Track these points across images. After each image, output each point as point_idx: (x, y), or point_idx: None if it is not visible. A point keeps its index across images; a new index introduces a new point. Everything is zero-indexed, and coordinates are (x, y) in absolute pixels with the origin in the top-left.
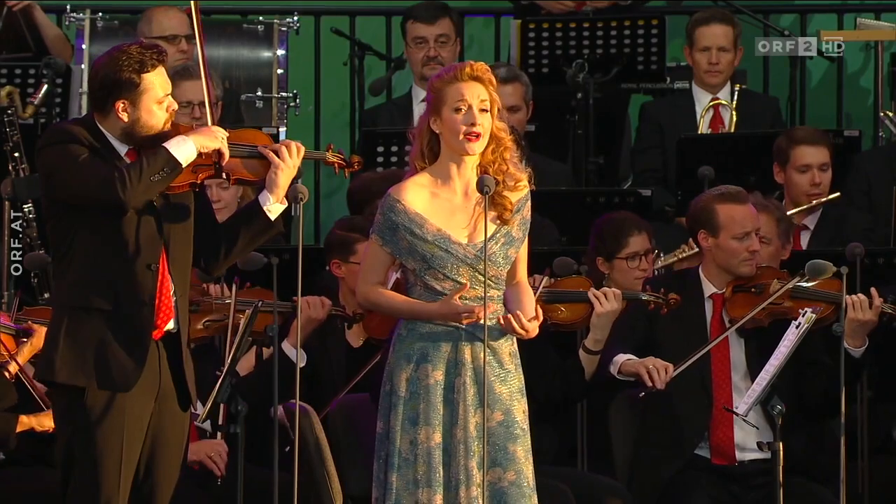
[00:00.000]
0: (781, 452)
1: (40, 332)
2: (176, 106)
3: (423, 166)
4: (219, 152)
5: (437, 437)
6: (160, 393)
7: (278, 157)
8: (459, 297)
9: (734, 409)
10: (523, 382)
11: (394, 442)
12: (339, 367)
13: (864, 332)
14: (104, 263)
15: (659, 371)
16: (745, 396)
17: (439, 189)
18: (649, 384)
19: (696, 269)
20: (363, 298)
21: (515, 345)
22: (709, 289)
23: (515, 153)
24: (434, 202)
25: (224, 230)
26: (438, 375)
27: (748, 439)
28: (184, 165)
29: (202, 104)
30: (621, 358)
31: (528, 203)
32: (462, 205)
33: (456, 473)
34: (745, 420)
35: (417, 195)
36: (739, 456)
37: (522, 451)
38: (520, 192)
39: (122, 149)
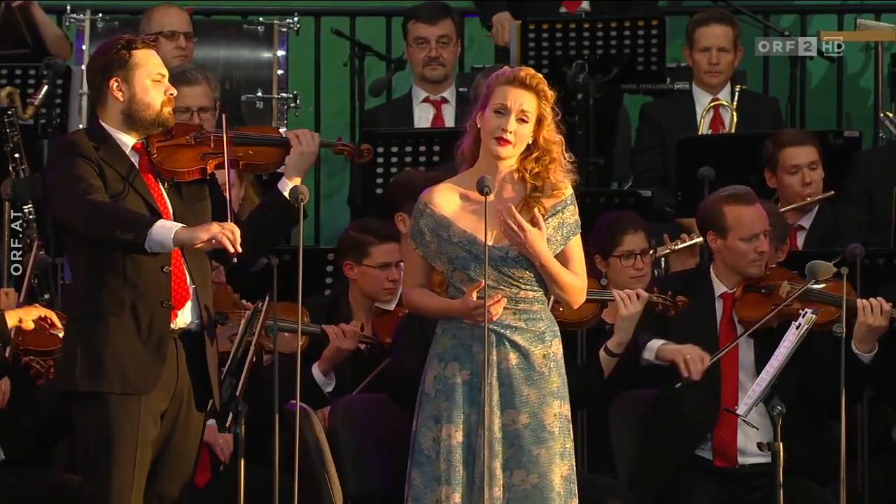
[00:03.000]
0: (782, 453)
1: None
2: (174, 91)
3: (468, 161)
4: (219, 242)
5: (459, 436)
6: (175, 392)
7: (299, 141)
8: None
9: (734, 410)
10: (561, 385)
11: (418, 439)
12: (345, 369)
13: (874, 337)
14: (115, 270)
15: (696, 362)
16: (746, 397)
17: (471, 191)
18: (685, 374)
19: (707, 267)
20: (405, 300)
21: (554, 346)
22: (719, 288)
23: (564, 164)
24: (464, 204)
25: (250, 223)
26: (465, 375)
27: (750, 443)
28: (147, 248)
29: (201, 109)
30: (657, 343)
31: (571, 207)
32: (494, 207)
33: (480, 474)
34: (745, 421)
35: (446, 198)
36: (741, 459)
37: (549, 455)
38: (557, 198)
39: (127, 141)
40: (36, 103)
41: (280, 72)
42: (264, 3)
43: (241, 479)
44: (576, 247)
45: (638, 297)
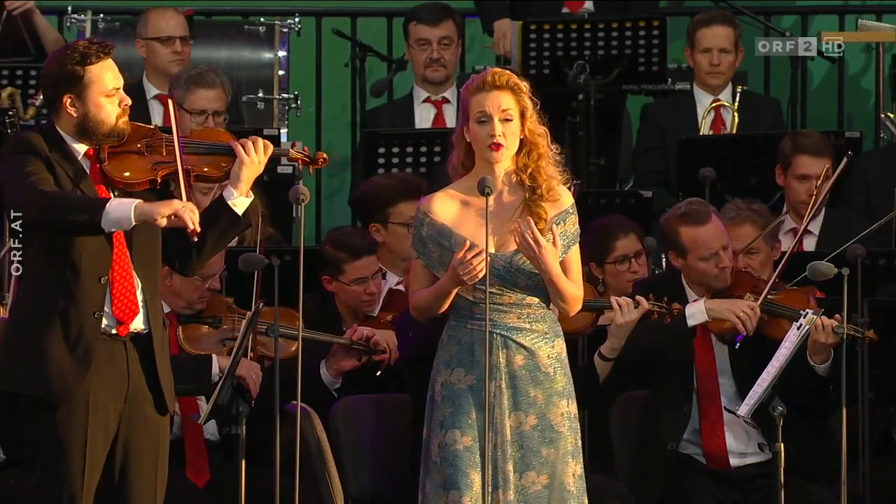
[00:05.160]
0: (782, 454)
1: None
2: (129, 101)
3: (461, 173)
4: (178, 219)
5: (467, 441)
6: (128, 395)
7: (244, 151)
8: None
9: (735, 411)
10: (566, 384)
11: (429, 446)
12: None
13: (827, 350)
14: (54, 273)
15: (749, 319)
16: (747, 398)
17: (471, 197)
18: (743, 332)
19: (678, 274)
20: (412, 309)
21: (558, 347)
22: (691, 296)
23: (553, 158)
24: (464, 211)
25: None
26: (470, 380)
27: (740, 444)
28: (104, 227)
29: (216, 113)
30: (700, 304)
31: (573, 217)
32: (494, 213)
33: (493, 477)
34: (746, 421)
35: (446, 206)
36: (734, 462)
37: (558, 455)
38: (559, 205)
39: (80, 149)
40: (37, 104)
41: (281, 72)
42: (265, 3)
43: (242, 479)
44: (574, 255)
45: (637, 304)
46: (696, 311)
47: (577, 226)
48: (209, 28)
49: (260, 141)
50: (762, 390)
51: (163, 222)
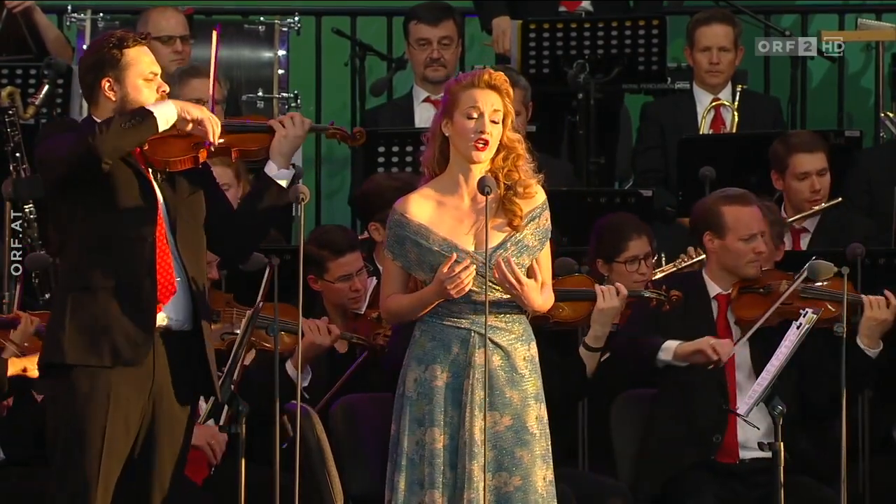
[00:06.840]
0: (782, 452)
1: (26, 319)
2: (167, 88)
3: (435, 171)
4: (202, 126)
5: (444, 439)
6: (153, 392)
7: (283, 126)
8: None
9: (735, 409)
10: (540, 387)
11: (401, 443)
12: (324, 372)
13: (879, 333)
14: (101, 242)
15: (723, 345)
16: (747, 397)
17: (446, 197)
18: (714, 358)
19: (699, 271)
20: (384, 311)
21: (532, 349)
22: (713, 289)
23: (528, 163)
24: (440, 211)
25: (241, 214)
26: (446, 377)
27: (751, 438)
28: (157, 119)
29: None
30: (673, 344)
31: (546, 213)
32: (469, 212)
33: (461, 475)
34: (745, 420)
35: (422, 206)
36: (743, 454)
37: (531, 457)
38: (534, 201)
39: None
40: (37, 103)
41: (281, 71)
42: (265, 2)
43: (242, 478)
44: (546, 254)
45: (618, 292)
46: (667, 349)
47: (549, 222)
48: (209, 27)
49: (297, 115)
50: (762, 389)
51: (187, 123)
